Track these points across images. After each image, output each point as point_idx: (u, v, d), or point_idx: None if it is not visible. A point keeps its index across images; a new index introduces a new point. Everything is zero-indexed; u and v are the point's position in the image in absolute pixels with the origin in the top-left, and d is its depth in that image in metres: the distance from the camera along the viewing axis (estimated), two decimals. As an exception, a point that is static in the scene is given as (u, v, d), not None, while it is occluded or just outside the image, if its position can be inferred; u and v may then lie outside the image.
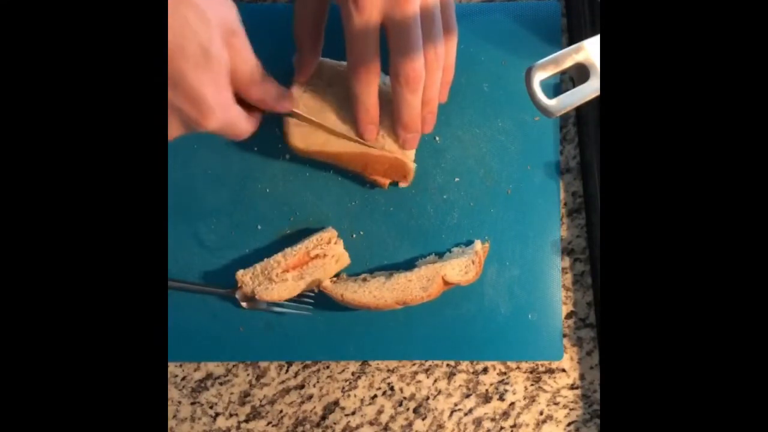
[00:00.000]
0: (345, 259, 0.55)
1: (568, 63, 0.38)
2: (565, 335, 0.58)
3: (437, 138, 0.58)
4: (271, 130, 0.56)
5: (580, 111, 0.59)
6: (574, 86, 0.38)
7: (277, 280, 0.54)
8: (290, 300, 0.55)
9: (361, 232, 0.57)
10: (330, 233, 0.55)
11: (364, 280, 0.54)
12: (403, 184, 0.55)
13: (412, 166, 0.54)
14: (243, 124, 0.45)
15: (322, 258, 0.54)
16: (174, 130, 0.41)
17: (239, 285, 0.54)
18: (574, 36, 0.59)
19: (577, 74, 0.39)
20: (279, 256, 0.54)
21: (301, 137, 0.52)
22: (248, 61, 0.42)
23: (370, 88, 0.49)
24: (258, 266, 0.54)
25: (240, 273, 0.54)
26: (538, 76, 0.38)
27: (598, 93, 0.38)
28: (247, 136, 0.47)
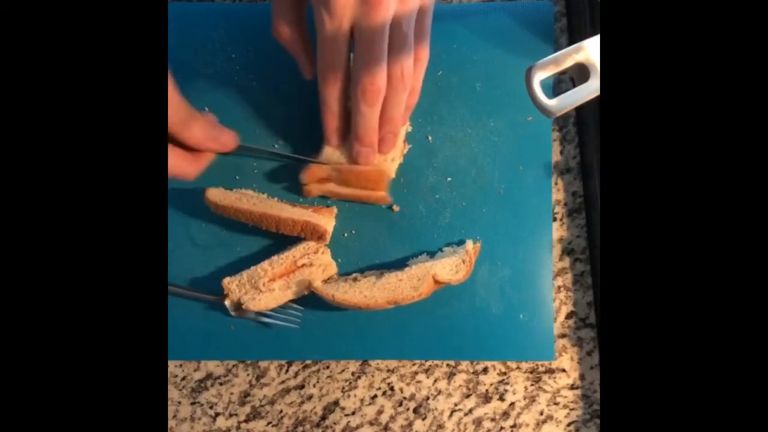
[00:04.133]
0: (332, 268, 0.55)
1: (568, 63, 0.38)
2: (565, 335, 0.58)
3: (429, 137, 0.58)
4: (267, 134, 0.56)
5: (580, 111, 0.59)
6: (574, 86, 0.38)
7: (263, 290, 0.53)
8: (279, 308, 0.55)
9: (353, 231, 0.57)
10: (317, 243, 0.54)
11: (355, 279, 0.54)
12: (321, 245, 0.54)
13: (328, 227, 0.53)
14: (183, 168, 0.47)
15: (309, 267, 0.54)
16: None
17: (226, 293, 0.54)
18: (574, 36, 0.59)
19: (577, 74, 0.39)
20: (265, 265, 0.54)
21: (216, 192, 0.54)
22: (173, 105, 0.43)
23: (337, 92, 0.49)
24: (245, 274, 0.54)
25: (226, 281, 0.54)
26: (538, 76, 0.38)
27: (598, 93, 0.38)
28: (193, 177, 0.49)
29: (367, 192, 0.55)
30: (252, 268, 0.54)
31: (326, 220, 0.54)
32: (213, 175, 0.55)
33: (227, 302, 0.55)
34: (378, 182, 0.54)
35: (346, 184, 0.54)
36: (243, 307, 0.54)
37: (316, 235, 0.53)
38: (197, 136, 0.47)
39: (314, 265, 0.54)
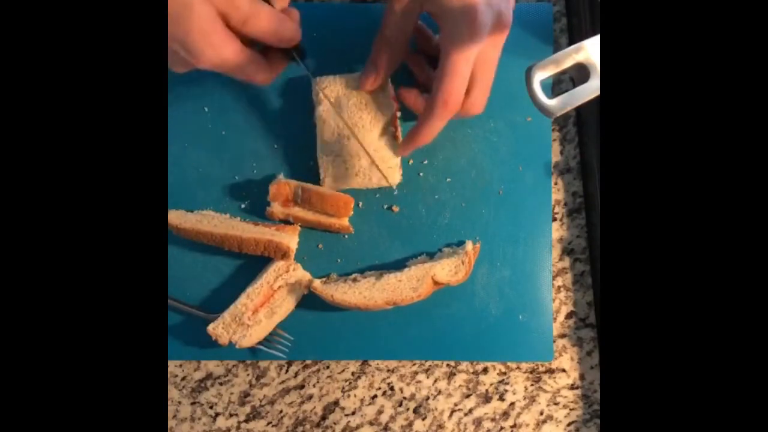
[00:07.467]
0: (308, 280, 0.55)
1: (568, 63, 0.38)
2: (565, 335, 0.58)
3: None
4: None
5: (580, 111, 0.59)
6: (574, 86, 0.38)
7: (250, 323, 0.53)
8: (271, 338, 0.55)
9: (353, 232, 0.57)
10: (286, 262, 0.54)
11: (355, 280, 0.54)
12: (290, 262, 0.54)
13: (291, 245, 0.53)
14: (253, 67, 0.45)
15: (285, 287, 0.54)
16: (179, 67, 0.44)
17: (214, 338, 0.53)
18: (574, 36, 0.59)
19: (577, 74, 0.39)
20: (244, 299, 0.53)
21: (176, 215, 0.54)
22: (238, 3, 0.42)
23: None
24: (226, 315, 0.53)
25: (211, 327, 0.53)
26: (539, 76, 0.38)
27: (598, 93, 0.38)
28: (265, 80, 0.47)
29: (330, 220, 0.54)
30: (231, 306, 0.54)
31: (289, 238, 0.53)
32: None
33: (219, 343, 0.54)
34: (341, 209, 0.54)
35: (310, 206, 0.54)
36: (237, 347, 0.53)
37: (280, 253, 0.53)
38: (263, 27, 0.44)
39: (290, 283, 0.54)
